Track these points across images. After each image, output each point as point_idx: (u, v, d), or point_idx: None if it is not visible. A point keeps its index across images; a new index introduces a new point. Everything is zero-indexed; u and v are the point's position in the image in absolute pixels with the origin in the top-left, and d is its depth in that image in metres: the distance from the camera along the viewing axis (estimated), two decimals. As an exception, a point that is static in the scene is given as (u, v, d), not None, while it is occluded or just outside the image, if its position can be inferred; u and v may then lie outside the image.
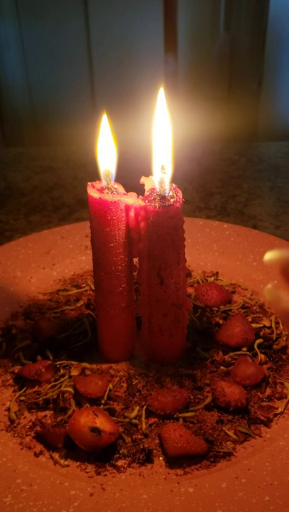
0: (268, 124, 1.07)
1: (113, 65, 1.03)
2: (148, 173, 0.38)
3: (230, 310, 0.48)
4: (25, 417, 0.39)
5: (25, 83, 1.04)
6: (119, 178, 0.38)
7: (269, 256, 0.22)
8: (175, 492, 0.32)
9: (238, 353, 0.42)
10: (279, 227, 0.64)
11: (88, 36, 1.00)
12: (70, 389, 0.40)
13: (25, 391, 0.40)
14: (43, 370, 0.41)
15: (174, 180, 0.37)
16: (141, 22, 1.01)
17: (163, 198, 0.37)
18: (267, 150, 0.86)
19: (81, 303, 0.49)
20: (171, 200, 0.37)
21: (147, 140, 0.37)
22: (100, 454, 0.35)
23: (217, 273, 0.53)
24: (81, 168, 0.79)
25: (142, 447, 0.36)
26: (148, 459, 0.35)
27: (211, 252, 0.55)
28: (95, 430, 0.35)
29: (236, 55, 1.07)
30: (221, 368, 0.41)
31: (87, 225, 0.40)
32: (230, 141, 0.91)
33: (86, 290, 0.51)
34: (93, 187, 0.38)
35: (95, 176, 0.38)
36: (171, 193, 0.37)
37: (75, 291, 0.51)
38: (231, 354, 0.42)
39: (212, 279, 0.52)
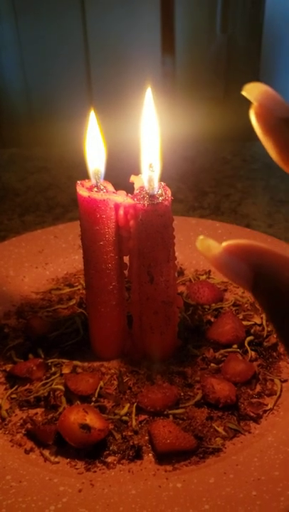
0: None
1: (110, 65, 1.03)
2: (137, 171, 0.38)
3: (221, 308, 0.48)
4: (16, 415, 0.39)
5: (22, 83, 1.04)
6: (108, 177, 0.39)
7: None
8: (163, 487, 0.32)
9: (229, 350, 0.43)
10: (272, 225, 0.65)
11: (85, 37, 1.01)
12: (61, 386, 0.40)
13: (16, 389, 0.41)
14: (34, 368, 0.41)
15: (167, 179, 0.38)
16: (138, 23, 1.01)
17: (152, 196, 0.37)
18: (261, 149, 0.87)
19: (73, 302, 0.49)
20: (160, 198, 0.37)
21: (139, 139, 0.38)
22: (90, 451, 0.36)
23: (209, 271, 0.53)
24: (75, 168, 0.80)
25: (131, 444, 0.36)
26: (137, 455, 0.35)
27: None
28: (85, 427, 0.35)
29: (233, 56, 1.08)
30: (212, 365, 0.42)
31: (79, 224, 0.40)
32: (226, 140, 0.91)
33: (79, 289, 0.51)
34: (82, 185, 0.38)
35: (88, 176, 0.38)
36: (160, 191, 0.37)
37: (67, 290, 0.51)
38: (222, 351, 0.43)
39: (204, 277, 0.52)
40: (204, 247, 0.19)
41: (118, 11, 0.99)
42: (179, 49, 1.08)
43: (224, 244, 0.19)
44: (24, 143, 1.02)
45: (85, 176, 0.38)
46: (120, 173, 0.40)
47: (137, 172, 0.38)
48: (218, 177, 0.77)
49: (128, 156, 0.40)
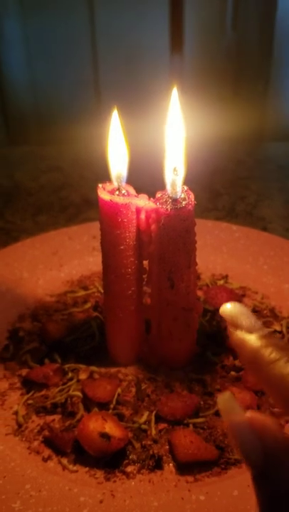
0: (274, 123, 1.06)
1: (118, 64, 1.02)
2: (159, 174, 0.37)
3: (240, 313, 0.47)
4: (33, 421, 0.38)
5: (30, 81, 1.03)
6: (129, 180, 0.38)
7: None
8: (186, 500, 0.32)
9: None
10: (288, 229, 0.64)
11: (93, 34, 1.00)
12: (78, 393, 0.39)
13: (32, 394, 0.40)
14: (51, 373, 0.40)
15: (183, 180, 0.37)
16: (147, 20, 1.00)
17: (175, 200, 0.36)
18: (275, 150, 0.86)
19: (88, 305, 0.49)
20: (183, 202, 0.36)
21: (158, 140, 0.37)
22: (109, 460, 0.35)
23: (226, 276, 0.52)
24: (88, 167, 0.79)
25: (151, 453, 0.35)
26: (158, 465, 0.35)
27: (221, 255, 0.54)
28: (105, 436, 0.34)
29: (243, 55, 1.06)
30: (232, 373, 0.41)
31: (94, 225, 0.39)
32: (236, 140, 0.90)
33: (94, 292, 0.50)
34: (104, 189, 0.37)
35: (101, 175, 0.38)
36: (183, 196, 0.36)
37: (82, 293, 0.51)
38: (242, 359, 0.42)
39: (222, 282, 0.52)
40: (227, 406, 0.19)
41: (127, 9, 0.98)
42: (188, 47, 1.06)
43: (249, 414, 0.19)
44: (35, 141, 1.01)
45: (98, 175, 0.38)
46: (142, 176, 0.39)
47: (156, 175, 0.37)
48: (232, 178, 0.76)
49: (144, 158, 0.40)
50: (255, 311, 0.47)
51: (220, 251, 0.55)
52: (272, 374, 0.20)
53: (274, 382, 0.20)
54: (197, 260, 0.39)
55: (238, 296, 0.49)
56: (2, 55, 0.98)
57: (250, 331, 0.22)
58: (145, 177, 0.38)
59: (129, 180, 0.38)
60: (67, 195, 0.72)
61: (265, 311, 0.47)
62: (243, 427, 0.18)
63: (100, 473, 0.34)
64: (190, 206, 0.36)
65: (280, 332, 0.44)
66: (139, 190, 0.38)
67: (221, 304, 0.48)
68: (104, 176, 0.37)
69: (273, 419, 0.19)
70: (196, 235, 0.38)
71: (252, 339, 0.22)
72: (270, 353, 0.20)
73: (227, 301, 0.47)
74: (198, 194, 0.71)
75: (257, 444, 0.18)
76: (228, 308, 0.23)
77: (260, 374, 0.21)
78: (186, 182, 0.36)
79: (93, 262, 0.53)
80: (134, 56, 1.02)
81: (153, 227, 0.37)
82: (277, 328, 0.45)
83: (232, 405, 0.19)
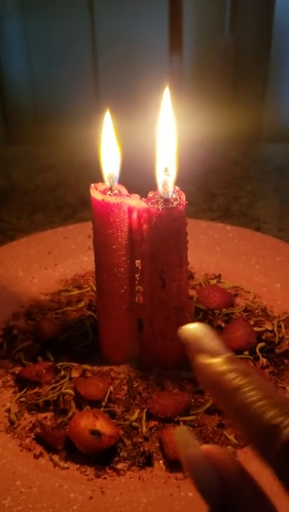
0: (272, 125, 1.06)
1: (118, 64, 1.03)
2: (152, 174, 0.38)
3: (232, 313, 0.47)
4: (25, 419, 0.38)
5: (29, 81, 1.04)
6: (122, 179, 0.38)
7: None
8: (175, 496, 0.32)
9: (240, 356, 0.42)
10: (282, 229, 0.64)
11: (93, 35, 1.00)
12: (70, 391, 0.39)
13: (25, 392, 0.40)
14: (43, 371, 0.41)
15: (177, 181, 0.37)
16: (146, 21, 1.01)
17: (166, 200, 0.36)
18: (271, 151, 0.86)
19: (82, 304, 0.49)
20: (175, 202, 0.36)
21: (152, 140, 0.37)
22: (99, 457, 0.35)
23: (219, 275, 0.53)
24: (84, 168, 0.79)
25: (142, 450, 0.36)
26: (148, 462, 0.35)
27: (214, 255, 0.55)
28: (96, 433, 0.35)
29: (241, 56, 1.07)
30: (223, 371, 0.41)
31: (89, 225, 0.40)
32: (234, 141, 0.90)
33: (87, 291, 0.51)
34: (96, 188, 0.37)
35: (97, 176, 0.38)
36: (174, 196, 0.37)
37: (76, 291, 0.51)
38: (233, 358, 0.42)
39: (214, 281, 0.52)
40: (182, 439, 0.18)
41: (126, 10, 0.99)
42: (187, 48, 1.07)
43: (204, 447, 0.18)
44: (31, 141, 1.02)
45: (94, 176, 0.38)
46: (129, 175, 0.39)
47: (149, 175, 0.38)
48: (228, 178, 0.77)
49: (139, 158, 0.40)
50: (247, 311, 0.48)
51: (213, 251, 0.55)
52: (234, 401, 0.18)
53: (236, 410, 0.18)
54: (191, 260, 0.40)
55: (230, 296, 0.49)
56: (2, 55, 0.99)
57: (213, 355, 0.20)
58: (140, 177, 0.38)
59: (124, 181, 0.38)
60: (62, 195, 0.73)
61: (256, 311, 0.48)
62: (199, 461, 0.17)
63: (90, 470, 0.35)
64: (181, 206, 0.36)
65: (272, 331, 0.45)
66: (133, 190, 0.38)
67: (213, 304, 0.48)
68: (101, 178, 0.38)
69: (230, 453, 0.18)
70: (191, 234, 0.39)
71: (216, 363, 0.20)
72: (233, 379, 0.19)
73: (219, 300, 0.48)
74: (194, 194, 0.72)
75: (214, 478, 0.17)
76: (190, 329, 0.22)
77: (223, 400, 0.19)
78: (181, 182, 0.37)
79: (88, 261, 0.54)
80: (133, 57, 1.02)
81: (145, 226, 0.37)
82: (269, 327, 0.45)
83: (187, 439, 0.18)
